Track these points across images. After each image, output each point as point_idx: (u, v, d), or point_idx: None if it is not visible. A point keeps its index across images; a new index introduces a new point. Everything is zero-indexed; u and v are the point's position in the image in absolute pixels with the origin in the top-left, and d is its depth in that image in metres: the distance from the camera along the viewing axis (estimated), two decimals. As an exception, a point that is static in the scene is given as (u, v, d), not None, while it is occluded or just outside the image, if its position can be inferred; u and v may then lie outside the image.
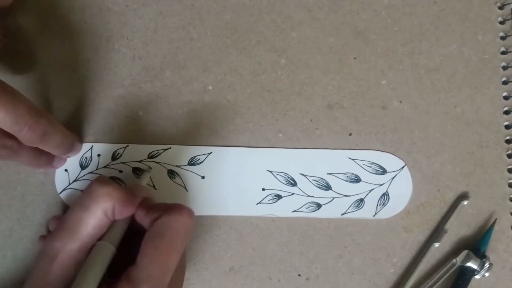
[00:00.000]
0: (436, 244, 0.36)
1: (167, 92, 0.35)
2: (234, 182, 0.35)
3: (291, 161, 0.35)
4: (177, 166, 0.35)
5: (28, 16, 0.34)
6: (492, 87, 0.37)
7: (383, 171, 0.36)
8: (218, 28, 0.36)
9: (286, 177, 0.35)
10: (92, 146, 0.34)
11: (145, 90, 0.35)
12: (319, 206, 0.35)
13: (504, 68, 0.37)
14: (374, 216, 0.36)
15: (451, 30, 0.36)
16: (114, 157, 0.34)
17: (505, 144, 0.37)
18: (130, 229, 0.29)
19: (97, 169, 0.34)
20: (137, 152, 0.34)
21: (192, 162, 0.35)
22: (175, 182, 0.35)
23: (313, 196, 0.35)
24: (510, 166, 0.37)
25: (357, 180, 0.36)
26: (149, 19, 0.35)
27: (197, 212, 0.34)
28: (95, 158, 0.34)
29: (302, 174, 0.35)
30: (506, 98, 0.37)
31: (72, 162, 0.34)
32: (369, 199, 0.36)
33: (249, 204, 0.35)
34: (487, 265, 0.35)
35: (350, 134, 0.36)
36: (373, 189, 0.36)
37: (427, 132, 0.37)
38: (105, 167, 0.34)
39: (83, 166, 0.34)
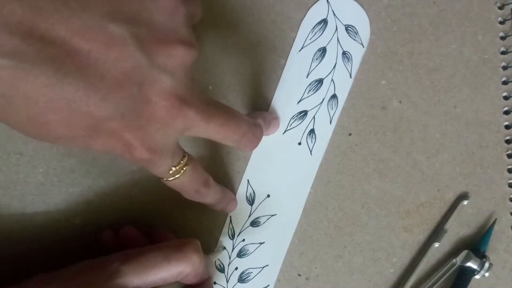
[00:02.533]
0: (436, 244, 0.36)
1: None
2: (280, 168, 0.36)
3: (283, 105, 0.35)
4: (255, 218, 0.36)
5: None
6: (492, 87, 0.37)
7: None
8: (218, 28, 0.36)
9: (295, 117, 0.35)
10: None
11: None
12: (334, 96, 0.35)
13: (504, 68, 0.37)
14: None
15: (451, 30, 0.37)
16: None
17: (505, 144, 0.37)
18: None
19: None
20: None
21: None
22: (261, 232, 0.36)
23: (323, 99, 0.35)
24: (510, 166, 0.37)
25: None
26: (149, 19, 0.35)
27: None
28: None
29: (298, 102, 0.35)
30: (506, 98, 0.37)
31: None
32: (340, 62, 0.36)
33: (305, 160, 0.36)
34: (487, 265, 0.35)
35: (350, 134, 0.36)
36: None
37: (427, 132, 0.37)
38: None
39: None
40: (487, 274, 0.36)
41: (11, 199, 0.34)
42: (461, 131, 0.37)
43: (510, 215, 0.37)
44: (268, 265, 0.35)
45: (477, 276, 0.36)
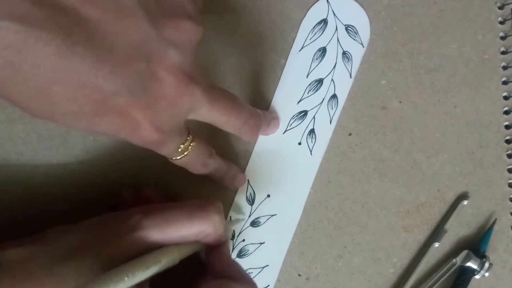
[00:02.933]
0: (436, 244, 0.36)
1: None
2: (280, 168, 0.35)
3: (284, 105, 0.35)
4: (256, 218, 0.36)
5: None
6: (492, 87, 0.37)
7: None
8: (218, 28, 0.35)
9: (296, 117, 0.36)
10: None
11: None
12: (334, 96, 0.36)
13: (504, 68, 0.37)
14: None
15: (451, 30, 0.36)
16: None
17: (505, 144, 0.37)
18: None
19: None
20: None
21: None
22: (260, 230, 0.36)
23: (324, 98, 0.35)
24: (510, 166, 0.37)
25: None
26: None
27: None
28: None
29: (298, 102, 0.35)
30: (506, 98, 0.37)
31: None
32: (340, 60, 0.36)
33: (305, 161, 0.36)
34: (487, 265, 0.35)
35: (350, 134, 0.36)
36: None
37: (427, 132, 0.37)
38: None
39: None
40: (487, 274, 0.36)
41: (11, 199, 0.34)
42: (461, 131, 0.37)
43: (510, 215, 0.37)
44: (268, 265, 0.35)
45: (477, 276, 0.36)
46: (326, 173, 0.36)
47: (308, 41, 0.35)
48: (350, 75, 0.36)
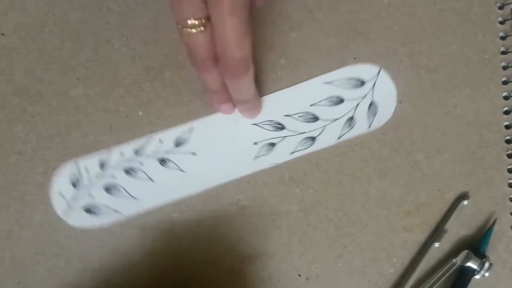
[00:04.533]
0: (436, 244, 0.36)
1: (167, 92, 0.35)
2: (225, 147, 0.35)
3: (272, 106, 0.35)
4: (165, 152, 0.34)
5: (28, 15, 0.34)
6: (492, 87, 0.37)
7: (362, 82, 0.35)
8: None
9: (272, 123, 0.35)
10: (77, 162, 0.34)
11: (145, 90, 0.35)
12: (313, 139, 0.35)
13: (504, 68, 0.37)
14: (369, 128, 0.36)
15: (451, 30, 0.37)
16: (102, 166, 0.34)
17: (505, 144, 0.37)
18: None
19: (90, 184, 0.34)
20: (121, 154, 0.34)
21: (178, 144, 0.34)
22: (169, 168, 0.34)
23: (304, 132, 0.35)
24: (510, 166, 0.37)
25: (340, 100, 0.35)
26: (149, 19, 0.35)
27: (201, 188, 0.35)
28: (84, 174, 0.34)
29: (286, 115, 0.35)
30: (506, 98, 0.37)
31: (65, 186, 0.34)
32: (359, 114, 0.35)
33: (246, 162, 0.35)
34: (487, 265, 0.35)
35: (350, 134, 0.36)
36: (358, 103, 0.35)
37: (427, 132, 0.37)
38: (97, 179, 0.34)
39: (76, 186, 0.34)
40: (487, 274, 0.36)
41: (10, 199, 0.34)
42: (461, 131, 0.37)
43: (510, 215, 0.37)
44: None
45: (477, 276, 0.36)
46: (326, 173, 0.36)
47: (337, 82, 0.35)
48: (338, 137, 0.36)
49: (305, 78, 0.36)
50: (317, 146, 0.35)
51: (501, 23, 0.37)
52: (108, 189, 0.34)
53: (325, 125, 0.35)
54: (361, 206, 0.36)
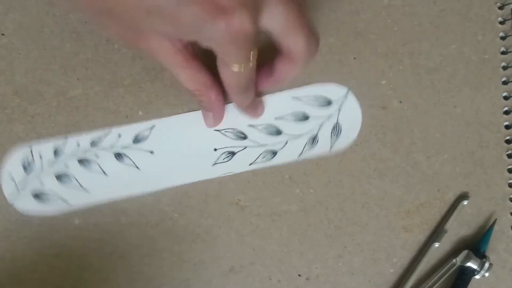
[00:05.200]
0: (436, 244, 0.36)
1: (167, 92, 0.35)
2: (184, 149, 0.34)
3: (237, 115, 0.35)
4: (122, 147, 0.34)
5: (28, 15, 0.34)
6: (492, 87, 0.37)
7: (329, 102, 0.35)
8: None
9: (235, 131, 0.35)
10: (31, 146, 0.34)
11: (145, 90, 0.35)
12: (274, 153, 0.35)
13: (504, 68, 0.37)
14: (330, 149, 0.35)
15: (451, 30, 0.37)
16: (56, 153, 0.34)
17: (505, 144, 0.37)
18: None
19: (42, 170, 0.34)
20: (78, 143, 0.34)
21: (137, 140, 0.34)
22: (125, 164, 0.34)
23: (266, 145, 0.35)
24: (510, 166, 0.37)
25: (306, 117, 0.35)
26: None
27: (154, 187, 0.34)
28: (37, 159, 0.34)
29: (250, 125, 0.35)
30: (506, 98, 0.37)
31: (16, 168, 0.34)
32: (322, 134, 0.35)
33: (204, 167, 0.35)
34: (487, 265, 0.35)
35: (350, 134, 0.36)
36: (323, 123, 0.35)
37: (427, 132, 0.37)
38: (49, 166, 0.34)
39: (27, 170, 0.34)
40: (487, 274, 0.36)
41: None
42: (461, 131, 0.37)
43: (510, 215, 0.37)
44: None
45: (477, 276, 0.36)
46: (326, 173, 0.36)
47: (305, 98, 0.35)
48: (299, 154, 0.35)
49: (305, 78, 0.36)
50: (277, 160, 0.35)
51: (501, 23, 0.37)
52: (59, 177, 0.34)
53: (288, 140, 0.35)
54: (361, 206, 0.36)
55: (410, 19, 0.36)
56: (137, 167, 0.34)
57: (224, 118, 0.34)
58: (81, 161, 0.34)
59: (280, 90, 0.35)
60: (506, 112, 0.37)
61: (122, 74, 0.35)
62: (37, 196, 0.34)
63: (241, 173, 0.35)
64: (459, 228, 0.37)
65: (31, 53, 0.34)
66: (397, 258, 0.37)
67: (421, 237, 0.37)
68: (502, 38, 0.37)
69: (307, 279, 0.36)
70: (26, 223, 0.34)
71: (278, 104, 0.35)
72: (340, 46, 0.36)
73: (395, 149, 0.36)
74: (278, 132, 0.35)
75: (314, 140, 0.35)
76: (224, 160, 0.35)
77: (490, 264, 0.35)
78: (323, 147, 0.35)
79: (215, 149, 0.35)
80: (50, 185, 0.34)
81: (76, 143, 0.34)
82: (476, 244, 0.36)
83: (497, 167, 0.37)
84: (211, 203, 0.35)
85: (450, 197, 0.37)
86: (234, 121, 0.35)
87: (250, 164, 0.35)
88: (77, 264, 0.34)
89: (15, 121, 0.34)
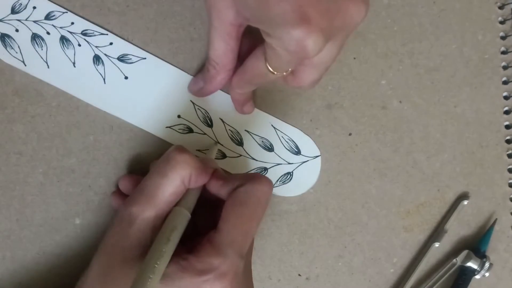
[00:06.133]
0: (436, 244, 0.36)
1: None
2: (153, 97, 0.34)
3: (217, 103, 0.34)
4: (106, 55, 0.34)
5: (27, 15, 0.34)
6: (492, 87, 0.37)
7: (297, 152, 0.35)
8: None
9: (206, 115, 0.34)
10: None
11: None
12: (223, 155, 0.35)
13: (504, 68, 0.37)
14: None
15: (451, 30, 0.37)
16: (48, 16, 0.33)
17: (505, 144, 0.37)
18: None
19: (26, 19, 0.33)
20: (72, 21, 0.33)
21: (122, 59, 0.34)
22: (97, 70, 0.34)
23: (222, 145, 0.35)
24: (510, 166, 0.37)
25: (270, 149, 0.35)
26: (149, 19, 0.35)
27: (103, 107, 0.34)
28: (29, 8, 0.33)
29: (221, 118, 0.35)
30: (506, 98, 0.37)
31: (3, 3, 0.33)
32: (272, 172, 0.35)
33: (160, 123, 0.34)
34: (487, 265, 0.35)
35: (350, 134, 0.36)
36: (280, 164, 0.35)
37: (427, 132, 0.37)
38: (34, 21, 0.33)
39: (14, 11, 0.33)
40: (487, 274, 0.36)
41: (11, 199, 0.34)
42: (461, 131, 0.37)
43: (510, 215, 0.37)
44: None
45: (477, 276, 0.36)
46: (326, 173, 0.36)
47: (280, 133, 0.35)
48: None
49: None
50: (222, 163, 0.35)
51: (501, 23, 0.37)
52: (34, 37, 0.33)
53: (241, 155, 0.35)
54: (361, 206, 0.36)
55: (410, 19, 0.36)
56: (104, 81, 0.34)
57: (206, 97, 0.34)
58: (63, 38, 0.33)
59: (265, 111, 0.35)
60: (506, 112, 0.37)
61: (122, 74, 0.35)
62: (4, 36, 0.33)
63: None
64: (459, 228, 0.37)
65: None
66: (397, 258, 0.37)
67: (421, 237, 0.37)
68: (502, 38, 0.37)
69: (307, 279, 0.36)
70: (26, 223, 0.34)
71: (256, 120, 0.35)
72: (340, 46, 0.36)
73: (395, 149, 0.36)
74: (239, 143, 0.35)
75: (263, 171, 0.35)
76: (179, 131, 0.34)
77: (490, 264, 0.35)
78: None
79: (179, 116, 0.34)
80: (23, 37, 0.33)
81: (71, 20, 0.33)
82: (476, 244, 0.36)
83: (497, 167, 0.37)
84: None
85: (450, 197, 0.37)
86: (212, 106, 0.34)
87: (197, 150, 0.35)
88: (77, 264, 0.34)
89: (15, 121, 0.34)
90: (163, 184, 0.27)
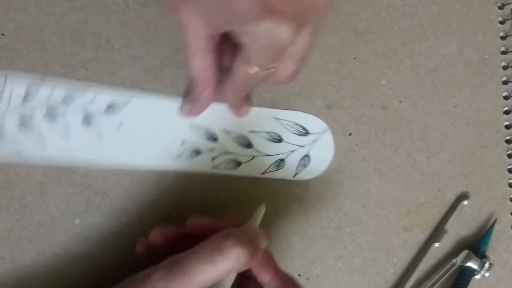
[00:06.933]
0: (436, 244, 0.36)
1: (167, 92, 0.35)
2: (152, 133, 0.34)
3: (214, 116, 0.34)
4: (93, 111, 0.33)
5: (28, 15, 0.34)
6: (492, 87, 0.37)
7: (306, 133, 0.35)
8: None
9: (207, 132, 0.34)
10: (6, 77, 0.32)
11: (145, 90, 0.35)
12: (239, 163, 0.35)
13: (504, 68, 0.37)
14: (294, 177, 0.35)
15: (451, 30, 0.37)
16: (27, 97, 0.32)
17: (505, 144, 0.37)
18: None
19: (7, 108, 0.32)
20: (50, 92, 0.33)
21: (110, 109, 0.34)
22: (90, 129, 0.33)
23: (233, 153, 0.35)
24: (510, 166, 0.37)
25: (279, 140, 0.35)
26: (150, 19, 0.35)
27: (110, 162, 0.34)
28: (6, 95, 0.32)
29: (224, 130, 0.35)
30: (506, 98, 0.37)
31: None
32: (290, 160, 0.35)
33: (167, 157, 0.34)
34: (487, 265, 0.35)
35: (350, 134, 0.36)
36: (294, 150, 0.35)
37: (427, 132, 0.37)
38: (15, 108, 0.32)
39: None
40: (487, 274, 0.36)
41: (11, 199, 0.34)
42: (461, 131, 0.37)
43: (510, 215, 0.37)
44: None
45: (477, 276, 0.36)
46: (326, 173, 0.36)
47: (284, 121, 0.35)
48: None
49: (305, 78, 0.36)
50: (240, 171, 0.35)
51: (501, 23, 0.37)
52: (22, 122, 0.33)
53: (255, 156, 0.35)
54: (361, 206, 0.36)
55: (410, 19, 0.36)
56: (100, 137, 0.33)
57: (201, 114, 0.34)
58: (48, 114, 0.33)
59: (263, 106, 0.35)
60: (506, 112, 0.37)
61: (122, 74, 0.35)
62: None
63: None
64: (459, 228, 0.37)
65: (31, 53, 0.34)
66: (397, 258, 0.37)
67: (421, 237, 0.37)
68: (502, 38, 0.37)
69: (307, 279, 0.36)
70: (26, 223, 0.34)
71: (257, 118, 0.35)
72: (340, 46, 0.36)
73: (395, 149, 0.36)
74: (249, 145, 0.35)
75: (281, 163, 0.35)
76: (188, 157, 0.34)
77: (490, 264, 0.35)
78: (287, 172, 0.35)
79: (183, 143, 0.34)
80: (10, 126, 0.32)
81: (50, 92, 0.32)
82: (476, 244, 0.36)
83: (497, 167, 0.37)
84: (211, 203, 0.35)
85: (450, 197, 0.37)
86: (211, 122, 0.34)
87: (212, 168, 0.35)
88: (77, 264, 0.34)
89: (15, 121, 0.34)
90: (208, 271, 0.25)
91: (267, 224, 0.36)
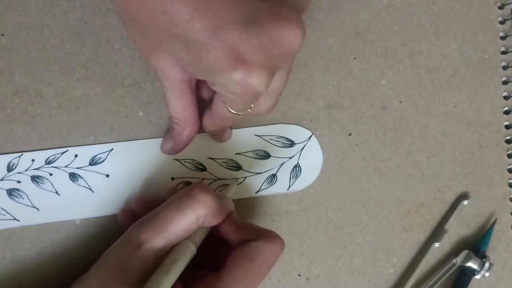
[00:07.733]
0: (436, 244, 0.36)
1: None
2: (141, 176, 0.34)
3: (198, 146, 0.34)
4: (78, 168, 0.34)
5: (27, 15, 0.34)
6: (492, 87, 0.37)
7: (292, 144, 0.35)
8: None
9: (194, 163, 0.35)
10: None
11: (145, 90, 0.35)
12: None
13: (504, 68, 0.37)
14: (288, 189, 0.36)
15: (451, 30, 0.37)
16: (10, 168, 0.33)
17: (505, 144, 0.37)
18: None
19: None
20: (32, 158, 0.34)
21: (93, 162, 0.34)
22: (79, 185, 0.34)
23: (224, 179, 0.35)
24: (510, 166, 0.37)
25: (267, 156, 0.35)
26: (149, 19, 0.35)
27: (107, 212, 0.34)
28: None
29: (210, 158, 0.35)
30: (506, 98, 0.37)
31: None
32: (281, 173, 0.35)
33: (160, 196, 0.34)
34: (487, 265, 0.35)
35: (350, 134, 0.36)
36: (283, 162, 0.35)
37: (427, 132, 0.37)
38: (1, 179, 0.33)
39: None
40: (487, 274, 0.36)
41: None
42: (461, 131, 0.37)
43: (510, 215, 0.37)
44: None
45: (477, 276, 0.36)
46: (326, 173, 0.36)
47: (267, 137, 0.35)
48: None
49: (305, 78, 0.36)
50: (234, 195, 0.34)
51: (501, 23, 0.37)
52: (10, 192, 0.33)
53: (246, 176, 0.35)
54: (361, 206, 0.36)
55: (410, 19, 0.36)
56: (91, 189, 0.34)
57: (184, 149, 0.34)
58: (34, 178, 0.33)
59: (243, 126, 0.35)
60: (506, 112, 0.37)
61: (122, 75, 0.35)
62: None
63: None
64: (459, 228, 0.37)
65: (31, 53, 0.34)
66: (397, 258, 0.37)
67: (421, 237, 0.37)
68: (502, 38, 0.37)
69: (307, 279, 0.36)
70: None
71: (240, 139, 0.35)
72: (340, 46, 0.36)
73: (395, 149, 0.36)
74: (238, 168, 0.35)
75: (273, 178, 0.35)
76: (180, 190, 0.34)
77: (490, 264, 0.35)
78: (280, 186, 0.35)
79: (173, 178, 0.35)
80: (1, 197, 0.33)
81: (31, 159, 0.33)
82: (476, 244, 0.36)
83: (497, 167, 0.37)
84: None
85: (450, 197, 0.37)
86: (196, 152, 0.35)
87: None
88: (77, 264, 0.34)
89: (15, 122, 0.34)
90: (178, 218, 0.27)
91: (267, 224, 0.36)
